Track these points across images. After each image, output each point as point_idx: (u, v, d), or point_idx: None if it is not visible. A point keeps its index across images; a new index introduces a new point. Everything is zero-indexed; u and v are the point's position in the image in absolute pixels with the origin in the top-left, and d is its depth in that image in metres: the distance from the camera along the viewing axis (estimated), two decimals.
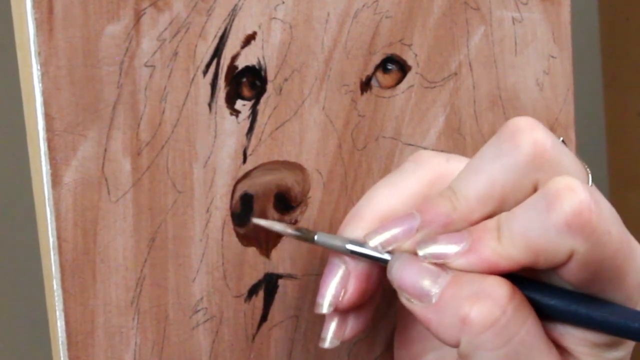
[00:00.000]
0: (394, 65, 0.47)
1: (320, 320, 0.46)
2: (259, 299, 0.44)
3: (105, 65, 0.40)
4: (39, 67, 0.39)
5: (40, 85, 0.39)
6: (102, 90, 0.40)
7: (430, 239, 0.39)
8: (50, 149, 0.39)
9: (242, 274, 0.44)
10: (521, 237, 0.38)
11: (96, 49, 0.40)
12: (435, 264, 0.39)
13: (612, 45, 1.57)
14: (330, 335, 0.42)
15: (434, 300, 0.39)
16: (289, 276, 0.45)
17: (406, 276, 0.39)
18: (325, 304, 0.42)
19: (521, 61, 0.51)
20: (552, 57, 0.52)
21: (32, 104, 0.39)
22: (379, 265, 0.41)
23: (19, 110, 0.40)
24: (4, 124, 1.13)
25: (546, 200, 0.38)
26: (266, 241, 0.44)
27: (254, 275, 0.44)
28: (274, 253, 0.44)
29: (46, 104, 0.39)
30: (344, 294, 0.41)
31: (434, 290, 0.39)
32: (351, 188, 0.46)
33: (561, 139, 0.41)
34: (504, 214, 0.39)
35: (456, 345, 0.38)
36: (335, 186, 0.46)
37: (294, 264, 0.45)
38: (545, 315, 0.39)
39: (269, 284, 0.44)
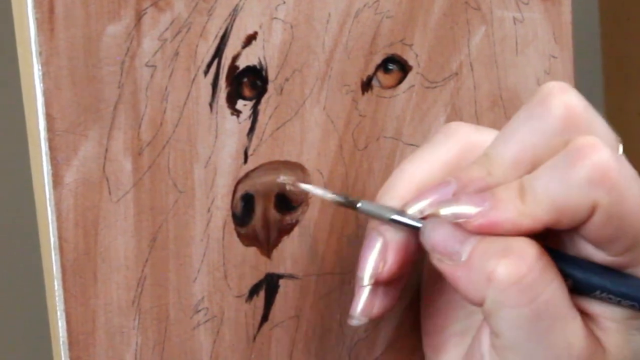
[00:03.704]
0: (395, 65, 0.47)
1: (321, 321, 0.46)
2: (259, 299, 0.44)
3: (106, 65, 0.40)
4: (40, 67, 0.39)
5: (41, 85, 0.39)
6: (103, 90, 0.40)
7: (453, 199, 0.40)
8: (52, 149, 0.39)
9: (243, 274, 0.44)
10: (544, 195, 0.38)
11: (97, 49, 0.40)
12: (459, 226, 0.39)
13: (612, 45, 1.57)
14: (359, 311, 0.42)
15: (463, 258, 0.39)
16: (290, 276, 0.45)
17: (438, 236, 0.40)
18: (366, 277, 0.42)
19: (522, 61, 0.51)
20: (553, 57, 0.52)
21: (33, 104, 0.39)
22: (416, 236, 0.41)
23: (20, 110, 0.40)
24: (5, 123, 1.13)
25: (568, 159, 0.38)
26: (267, 241, 0.44)
27: (255, 275, 0.44)
28: (275, 253, 0.44)
29: (47, 104, 0.39)
30: (384, 265, 0.42)
31: (465, 248, 0.39)
32: (352, 188, 0.46)
33: None
34: (527, 175, 0.39)
35: (481, 304, 0.39)
36: (336, 186, 0.46)
37: (295, 264, 0.45)
38: (573, 288, 0.40)
39: (270, 284, 0.44)
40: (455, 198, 0.40)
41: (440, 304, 0.44)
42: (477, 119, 0.49)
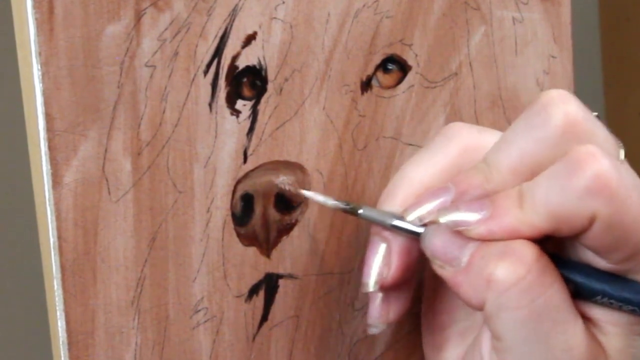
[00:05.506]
0: (395, 65, 0.47)
1: (320, 321, 0.46)
2: (259, 299, 0.44)
3: (105, 65, 0.40)
4: (39, 67, 0.39)
5: (41, 85, 0.39)
6: (103, 90, 0.40)
7: (453, 207, 0.40)
8: (51, 148, 0.39)
9: (243, 274, 0.44)
10: (543, 203, 0.38)
11: (97, 49, 0.40)
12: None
13: (612, 45, 1.57)
14: (376, 319, 0.43)
15: (463, 264, 0.39)
16: (290, 276, 0.45)
17: (438, 243, 0.40)
18: (371, 282, 0.42)
19: (521, 61, 0.51)
20: (553, 57, 0.52)
21: (32, 104, 0.39)
22: (419, 241, 0.41)
23: (20, 110, 0.40)
24: (5, 124, 1.13)
25: (567, 168, 0.38)
26: (267, 241, 0.44)
27: (255, 275, 0.44)
28: (275, 253, 0.44)
29: (47, 104, 0.39)
30: (388, 270, 0.42)
31: (464, 254, 0.39)
32: (352, 188, 0.46)
33: (595, 114, 0.41)
34: (526, 182, 0.39)
35: (482, 308, 0.39)
36: (335, 186, 0.46)
37: (295, 263, 0.45)
38: (574, 293, 0.40)
39: (269, 284, 0.45)
40: (454, 205, 0.40)
41: (441, 304, 0.45)
42: (476, 119, 0.49)
